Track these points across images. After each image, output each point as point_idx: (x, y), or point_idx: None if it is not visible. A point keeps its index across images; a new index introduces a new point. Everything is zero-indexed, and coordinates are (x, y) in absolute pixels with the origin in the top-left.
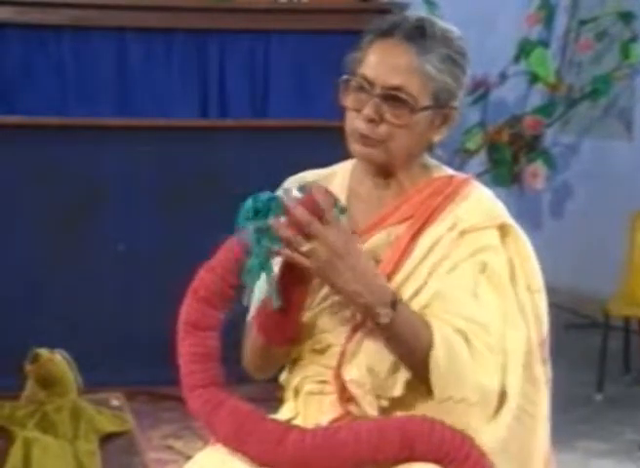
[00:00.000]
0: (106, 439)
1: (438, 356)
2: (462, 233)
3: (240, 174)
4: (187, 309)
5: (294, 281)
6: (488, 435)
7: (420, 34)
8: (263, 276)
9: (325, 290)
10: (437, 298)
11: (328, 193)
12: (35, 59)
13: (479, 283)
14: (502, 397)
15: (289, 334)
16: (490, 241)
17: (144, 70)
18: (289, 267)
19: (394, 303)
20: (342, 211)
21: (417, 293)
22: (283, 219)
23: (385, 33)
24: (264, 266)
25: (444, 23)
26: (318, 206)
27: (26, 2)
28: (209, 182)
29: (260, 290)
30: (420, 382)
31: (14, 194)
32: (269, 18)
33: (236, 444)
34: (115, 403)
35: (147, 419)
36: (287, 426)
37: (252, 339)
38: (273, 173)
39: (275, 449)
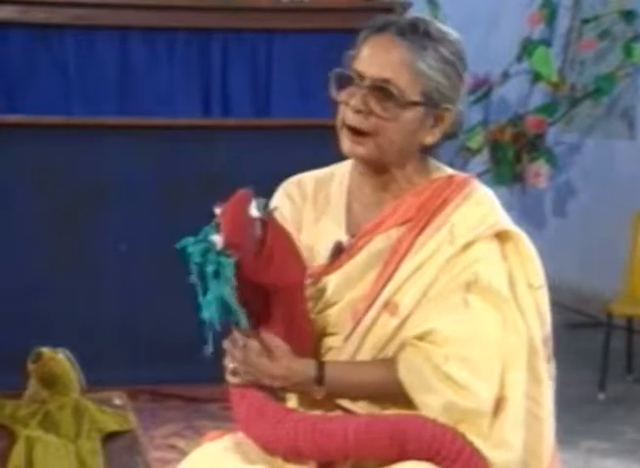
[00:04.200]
0: (109, 438)
1: (411, 388)
2: (459, 251)
3: (242, 173)
4: None
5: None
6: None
7: (412, 30)
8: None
9: (326, 295)
10: (424, 330)
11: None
12: (38, 58)
13: (469, 294)
14: (501, 404)
15: (300, 345)
16: (481, 253)
17: (147, 69)
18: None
19: (320, 378)
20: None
21: (410, 306)
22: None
23: (379, 29)
24: (221, 293)
25: (442, 26)
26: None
27: (29, 1)
28: (211, 181)
29: None
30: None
31: (15, 193)
32: (272, 17)
33: (245, 425)
34: (118, 402)
35: (150, 418)
36: (288, 410)
37: None
38: (275, 172)
39: (272, 430)
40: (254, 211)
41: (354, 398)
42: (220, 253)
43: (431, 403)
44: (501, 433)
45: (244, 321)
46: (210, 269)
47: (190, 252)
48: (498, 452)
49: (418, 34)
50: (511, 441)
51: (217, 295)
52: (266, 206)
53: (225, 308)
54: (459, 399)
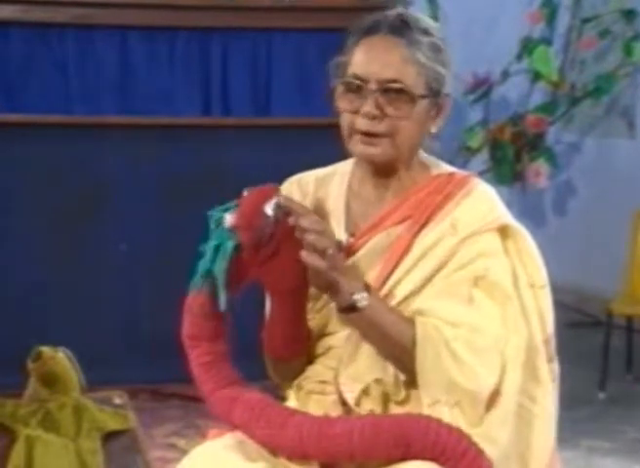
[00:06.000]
0: (109, 437)
1: (421, 356)
2: (463, 240)
3: (243, 172)
4: (186, 324)
5: (285, 296)
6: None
7: (404, 27)
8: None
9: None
10: (428, 309)
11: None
12: (38, 58)
13: (476, 289)
14: (494, 398)
15: (296, 349)
16: (489, 245)
17: (147, 68)
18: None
19: (367, 287)
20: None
21: (408, 297)
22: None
23: (370, 31)
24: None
25: (420, 15)
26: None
27: (30, 0)
28: (211, 181)
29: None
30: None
31: (15, 192)
32: (272, 16)
33: (248, 431)
34: (118, 401)
35: (150, 417)
36: (291, 412)
37: (265, 356)
38: (276, 171)
39: (278, 434)
40: (268, 209)
41: (376, 336)
42: (226, 231)
43: (434, 379)
44: (489, 428)
45: (223, 301)
46: (213, 242)
47: (213, 218)
48: (482, 446)
49: (409, 29)
50: (497, 437)
51: (207, 267)
52: (280, 207)
53: (213, 282)
54: (462, 378)
